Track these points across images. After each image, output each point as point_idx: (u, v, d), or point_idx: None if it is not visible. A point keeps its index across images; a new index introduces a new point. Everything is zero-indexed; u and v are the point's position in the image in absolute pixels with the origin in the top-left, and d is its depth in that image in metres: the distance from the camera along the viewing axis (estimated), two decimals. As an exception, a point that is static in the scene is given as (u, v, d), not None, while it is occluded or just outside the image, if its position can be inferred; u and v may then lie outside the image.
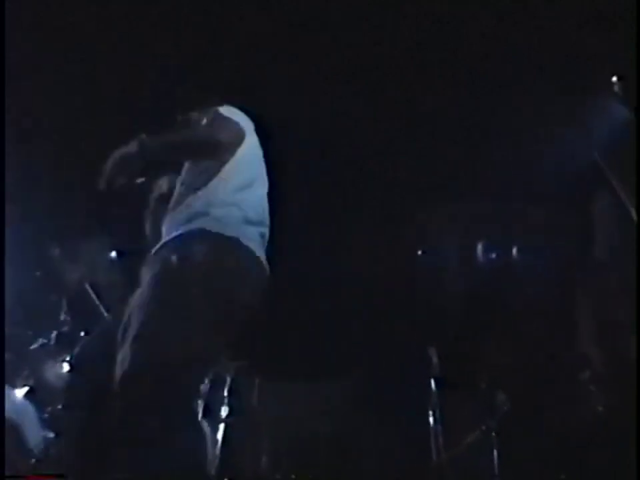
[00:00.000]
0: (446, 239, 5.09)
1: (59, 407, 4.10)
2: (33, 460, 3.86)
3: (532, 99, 5.07)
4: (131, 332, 2.40)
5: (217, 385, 4.02)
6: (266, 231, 2.96)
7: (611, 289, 4.08)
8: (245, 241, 2.66)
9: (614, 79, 3.39)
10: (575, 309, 4.30)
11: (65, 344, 4.24)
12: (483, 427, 4.09)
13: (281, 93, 5.36)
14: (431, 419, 4.20)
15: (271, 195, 3.23)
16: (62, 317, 4.35)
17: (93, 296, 4.31)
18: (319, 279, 5.09)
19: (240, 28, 5.22)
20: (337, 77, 5.36)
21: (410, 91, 5.35)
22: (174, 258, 2.53)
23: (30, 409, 4.02)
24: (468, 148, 5.43)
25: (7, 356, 4.27)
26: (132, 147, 2.54)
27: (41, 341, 4.28)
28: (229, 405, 4.09)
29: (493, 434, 4.04)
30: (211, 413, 4.01)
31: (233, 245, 2.61)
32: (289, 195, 5.63)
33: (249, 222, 2.76)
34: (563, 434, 3.96)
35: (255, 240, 2.78)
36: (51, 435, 4.04)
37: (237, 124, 2.89)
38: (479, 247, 4.72)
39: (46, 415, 4.04)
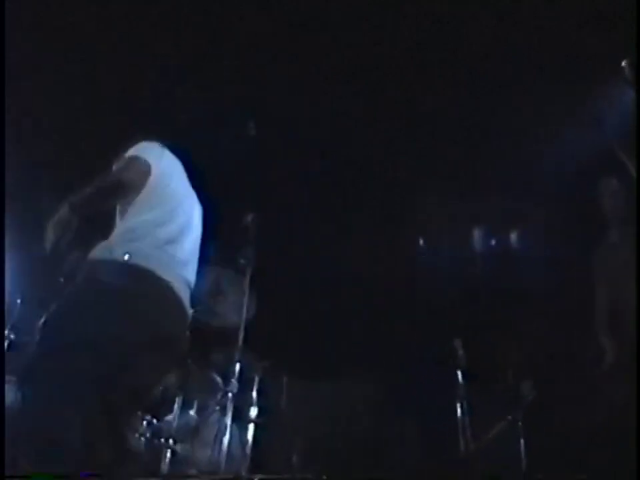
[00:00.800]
0: (462, 233, 5.12)
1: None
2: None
3: (534, 94, 5.15)
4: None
5: (245, 386, 4.00)
6: (187, 258, 2.97)
7: (624, 276, 4.15)
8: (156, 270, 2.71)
9: (623, 63, 3.45)
10: (590, 297, 4.37)
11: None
12: (509, 417, 4.15)
13: (281, 93, 5.36)
14: (459, 411, 4.24)
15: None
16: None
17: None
18: (341, 277, 5.11)
19: (240, 28, 5.21)
20: (337, 76, 5.37)
21: (410, 91, 5.39)
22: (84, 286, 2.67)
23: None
24: (469, 142, 5.49)
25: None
26: (63, 212, 2.71)
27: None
28: (258, 405, 4.09)
29: (520, 424, 4.10)
30: (240, 414, 4.01)
31: (142, 275, 2.68)
32: (289, 195, 5.64)
33: (163, 251, 2.81)
34: (586, 421, 4.04)
35: (172, 273, 2.79)
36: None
37: (141, 161, 2.96)
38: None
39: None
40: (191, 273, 3.00)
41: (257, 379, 4.19)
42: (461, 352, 4.44)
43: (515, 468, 3.99)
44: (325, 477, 3.89)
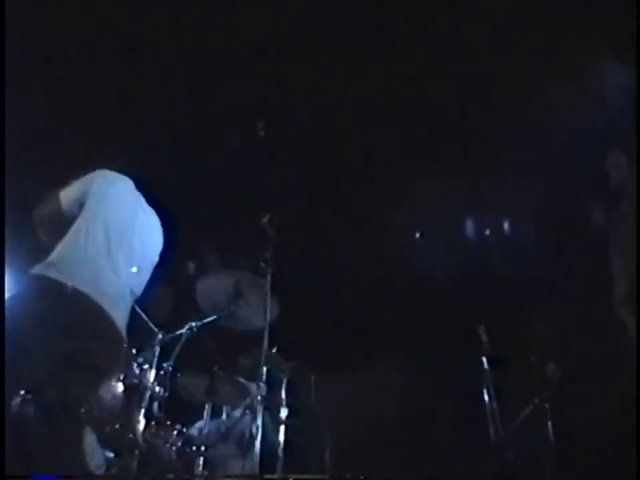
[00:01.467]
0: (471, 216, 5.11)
1: (117, 426, 4.02)
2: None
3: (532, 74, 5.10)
4: None
5: (273, 388, 3.99)
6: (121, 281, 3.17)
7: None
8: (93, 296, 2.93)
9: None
10: (607, 272, 4.35)
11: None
12: (536, 400, 4.14)
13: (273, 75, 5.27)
14: (486, 397, 4.23)
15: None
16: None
17: (142, 314, 4.23)
18: (362, 267, 5.08)
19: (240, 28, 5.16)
20: (325, 56, 5.27)
21: (404, 69, 5.30)
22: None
23: (87, 432, 3.92)
24: (470, 129, 5.43)
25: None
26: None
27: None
28: (288, 406, 4.09)
29: (547, 405, 4.09)
30: (271, 416, 4.00)
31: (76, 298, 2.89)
32: (300, 194, 5.59)
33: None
34: (612, 396, 4.03)
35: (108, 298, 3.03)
36: (111, 455, 3.97)
37: (81, 189, 3.23)
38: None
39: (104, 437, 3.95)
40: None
41: (284, 380, 4.19)
42: (484, 338, 4.42)
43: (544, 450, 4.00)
44: (362, 477, 3.88)
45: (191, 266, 4.54)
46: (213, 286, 4.34)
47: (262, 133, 4.24)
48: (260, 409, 3.75)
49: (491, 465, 4.15)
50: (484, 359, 4.32)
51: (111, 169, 3.47)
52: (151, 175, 5.18)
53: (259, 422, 3.74)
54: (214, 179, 5.14)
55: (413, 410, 4.56)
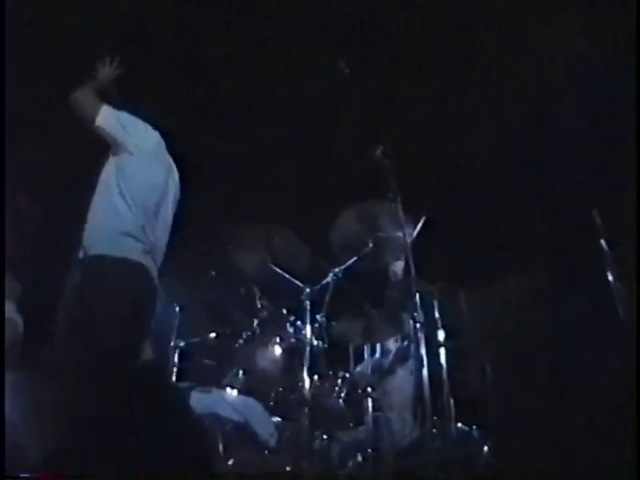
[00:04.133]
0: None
1: (281, 389, 4.07)
2: (267, 452, 3.84)
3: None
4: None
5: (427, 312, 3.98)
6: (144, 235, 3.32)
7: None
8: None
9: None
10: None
11: (269, 328, 4.21)
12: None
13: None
14: (610, 278, 4.22)
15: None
16: (258, 304, 4.30)
17: (282, 272, 4.25)
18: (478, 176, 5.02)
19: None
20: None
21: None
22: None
23: (253, 404, 3.96)
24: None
25: (213, 363, 4.33)
26: None
27: (244, 335, 4.22)
28: (444, 328, 4.09)
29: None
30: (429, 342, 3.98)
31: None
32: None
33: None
34: None
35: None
36: (280, 419, 4.02)
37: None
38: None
39: (272, 403, 4.02)
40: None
41: (436, 303, 4.20)
42: (599, 222, 4.40)
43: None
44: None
45: (320, 213, 4.53)
46: (346, 228, 4.36)
47: (346, 71, 4.20)
48: (421, 336, 3.76)
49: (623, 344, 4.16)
50: (602, 242, 4.31)
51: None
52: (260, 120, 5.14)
53: (422, 350, 3.75)
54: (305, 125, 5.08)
55: (554, 304, 4.55)
